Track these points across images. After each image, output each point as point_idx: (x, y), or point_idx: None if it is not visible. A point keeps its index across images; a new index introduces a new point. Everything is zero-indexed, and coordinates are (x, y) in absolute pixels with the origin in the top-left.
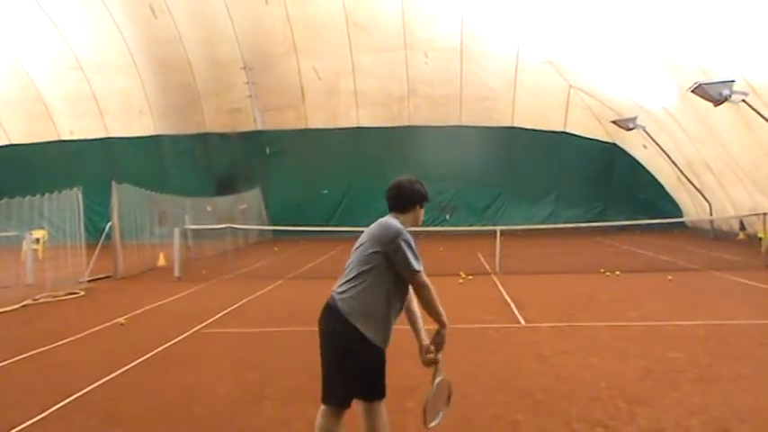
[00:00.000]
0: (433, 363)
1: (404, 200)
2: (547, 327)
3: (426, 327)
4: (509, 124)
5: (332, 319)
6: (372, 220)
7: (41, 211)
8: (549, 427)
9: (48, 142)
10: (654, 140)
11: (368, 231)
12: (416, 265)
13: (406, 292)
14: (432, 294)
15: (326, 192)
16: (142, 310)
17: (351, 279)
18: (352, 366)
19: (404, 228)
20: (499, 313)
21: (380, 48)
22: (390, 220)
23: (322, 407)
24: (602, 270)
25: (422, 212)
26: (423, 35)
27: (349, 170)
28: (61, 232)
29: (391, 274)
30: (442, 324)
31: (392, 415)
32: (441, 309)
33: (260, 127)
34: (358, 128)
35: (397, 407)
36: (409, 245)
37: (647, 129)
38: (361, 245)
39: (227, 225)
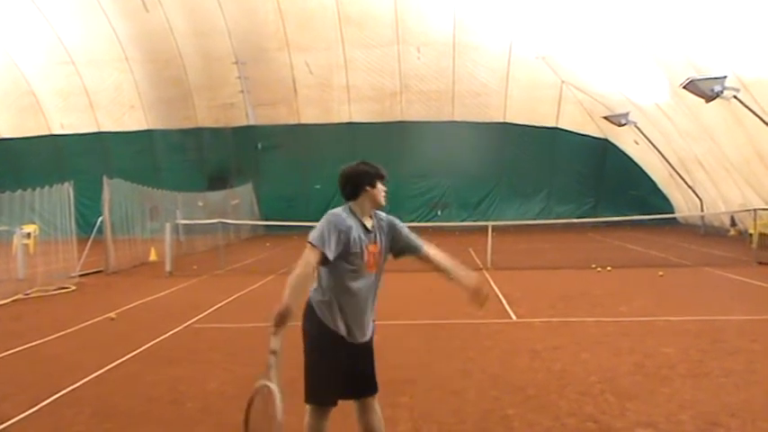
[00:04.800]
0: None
1: (350, 186)
2: (538, 322)
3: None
4: (501, 120)
5: None
6: None
7: (32, 206)
8: (541, 422)
9: (38, 136)
10: (645, 136)
11: None
12: (310, 236)
13: (369, 276)
14: (296, 273)
15: (319, 187)
16: (133, 304)
17: None
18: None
19: (347, 213)
20: (491, 309)
21: (373, 43)
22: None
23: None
24: (594, 266)
25: (378, 190)
26: (415, 30)
27: (341, 165)
28: (52, 227)
29: (337, 263)
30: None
31: (385, 410)
32: (290, 289)
33: (252, 122)
34: (350, 123)
35: (389, 402)
36: (330, 224)
37: (639, 125)
38: None
39: (219, 220)
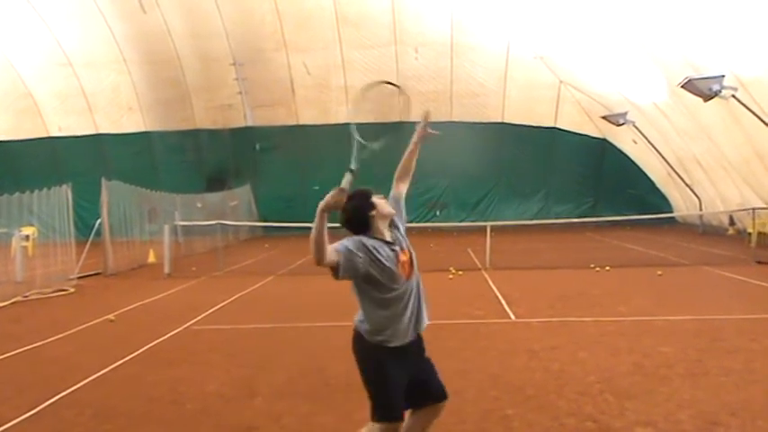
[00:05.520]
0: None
1: (360, 224)
2: (537, 322)
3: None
4: (499, 120)
5: None
6: None
7: (31, 208)
8: (540, 422)
9: (36, 139)
10: (644, 136)
11: None
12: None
13: (406, 284)
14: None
15: (317, 188)
16: (132, 306)
17: None
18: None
19: (366, 237)
20: (489, 309)
21: (370, 43)
22: None
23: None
24: (592, 265)
25: (380, 206)
26: (412, 30)
27: (339, 166)
28: (51, 229)
29: (375, 286)
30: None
31: None
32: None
33: (250, 123)
34: (348, 124)
35: None
36: (355, 242)
37: (637, 124)
38: None
39: (218, 221)
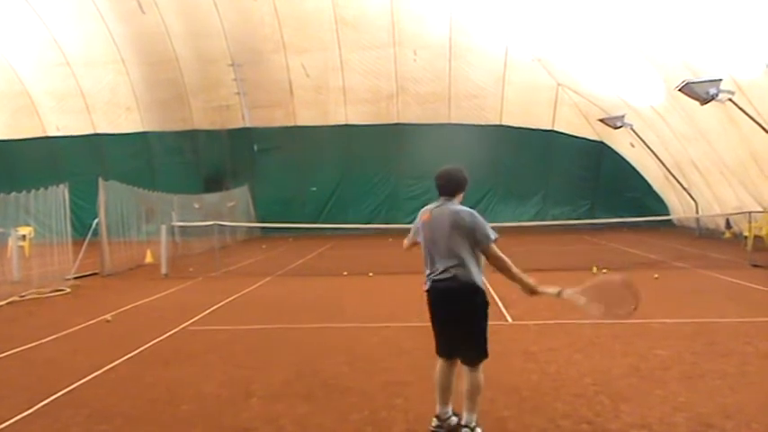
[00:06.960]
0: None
1: (455, 185)
2: (533, 324)
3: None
4: (497, 122)
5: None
6: (360, 217)
7: (27, 208)
8: (535, 424)
9: (34, 138)
10: (641, 139)
11: (441, 220)
12: (491, 234)
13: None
14: (511, 264)
15: (315, 189)
16: (129, 307)
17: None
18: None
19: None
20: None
21: (369, 45)
22: (457, 206)
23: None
24: (590, 268)
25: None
26: (411, 32)
27: (337, 167)
28: (47, 229)
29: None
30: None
31: (380, 412)
32: (522, 275)
33: (248, 124)
34: (346, 125)
35: (384, 404)
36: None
37: (635, 127)
38: (442, 233)
39: (215, 222)
